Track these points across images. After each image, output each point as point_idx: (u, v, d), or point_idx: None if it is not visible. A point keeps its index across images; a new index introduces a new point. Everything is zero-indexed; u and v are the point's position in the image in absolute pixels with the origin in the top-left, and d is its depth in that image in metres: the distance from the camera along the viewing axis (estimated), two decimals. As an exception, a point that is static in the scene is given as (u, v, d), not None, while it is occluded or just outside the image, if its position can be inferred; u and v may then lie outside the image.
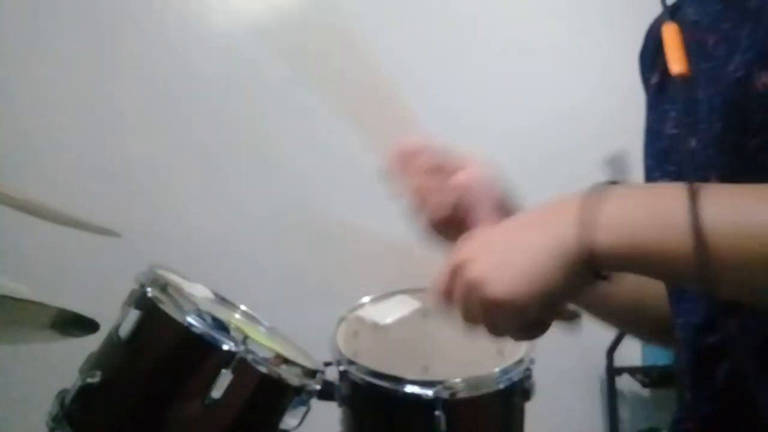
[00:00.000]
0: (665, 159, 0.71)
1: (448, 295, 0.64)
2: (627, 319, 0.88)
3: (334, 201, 2.27)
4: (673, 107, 0.69)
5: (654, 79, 0.73)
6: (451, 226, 0.76)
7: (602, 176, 0.60)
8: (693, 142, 0.64)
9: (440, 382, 1.25)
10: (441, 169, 0.77)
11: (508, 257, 0.60)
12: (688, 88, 0.58)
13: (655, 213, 0.55)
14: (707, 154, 0.63)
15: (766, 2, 0.60)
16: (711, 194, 0.53)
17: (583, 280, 0.58)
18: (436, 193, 0.76)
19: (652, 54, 0.76)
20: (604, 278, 0.59)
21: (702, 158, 0.63)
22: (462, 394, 1.26)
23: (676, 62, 0.57)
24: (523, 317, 0.60)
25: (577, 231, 0.56)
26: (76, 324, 1.20)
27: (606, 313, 0.83)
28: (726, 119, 0.61)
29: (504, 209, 0.76)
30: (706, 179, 0.61)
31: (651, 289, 0.77)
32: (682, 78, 0.57)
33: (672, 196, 0.54)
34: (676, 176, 0.68)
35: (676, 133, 0.68)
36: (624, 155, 0.62)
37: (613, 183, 0.58)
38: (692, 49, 0.67)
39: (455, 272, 0.63)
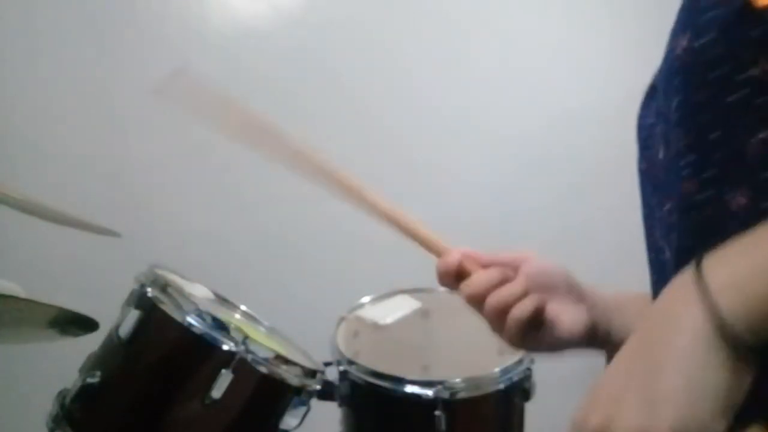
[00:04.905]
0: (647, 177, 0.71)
1: None
2: None
3: (334, 201, 2.27)
4: (653, 119, 0.69)
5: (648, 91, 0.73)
6: (534, 325, 0.74)
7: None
8: (661, 153, 0.65)
9: (440, 382, 1.25)
10: (502, 276, 0.75)
11: (653, 387, 0.49)
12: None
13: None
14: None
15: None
16: None
17: (745, 362, 0.48)
18: (510, 297, 0.73)
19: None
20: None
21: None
22: (462, 394, 1.26)
23: None
24: None
25: (703, 315, 0.48)
26: (76, 324, 1.19)
27: None
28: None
29: (573, 293, 0.76)
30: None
31: None
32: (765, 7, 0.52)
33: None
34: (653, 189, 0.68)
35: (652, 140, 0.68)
36: None
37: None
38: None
39: None
